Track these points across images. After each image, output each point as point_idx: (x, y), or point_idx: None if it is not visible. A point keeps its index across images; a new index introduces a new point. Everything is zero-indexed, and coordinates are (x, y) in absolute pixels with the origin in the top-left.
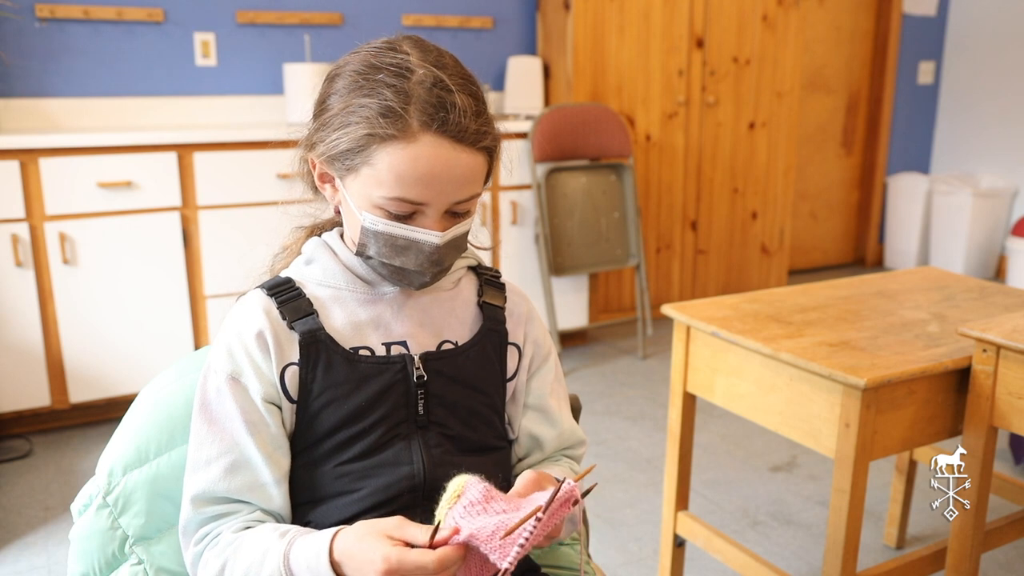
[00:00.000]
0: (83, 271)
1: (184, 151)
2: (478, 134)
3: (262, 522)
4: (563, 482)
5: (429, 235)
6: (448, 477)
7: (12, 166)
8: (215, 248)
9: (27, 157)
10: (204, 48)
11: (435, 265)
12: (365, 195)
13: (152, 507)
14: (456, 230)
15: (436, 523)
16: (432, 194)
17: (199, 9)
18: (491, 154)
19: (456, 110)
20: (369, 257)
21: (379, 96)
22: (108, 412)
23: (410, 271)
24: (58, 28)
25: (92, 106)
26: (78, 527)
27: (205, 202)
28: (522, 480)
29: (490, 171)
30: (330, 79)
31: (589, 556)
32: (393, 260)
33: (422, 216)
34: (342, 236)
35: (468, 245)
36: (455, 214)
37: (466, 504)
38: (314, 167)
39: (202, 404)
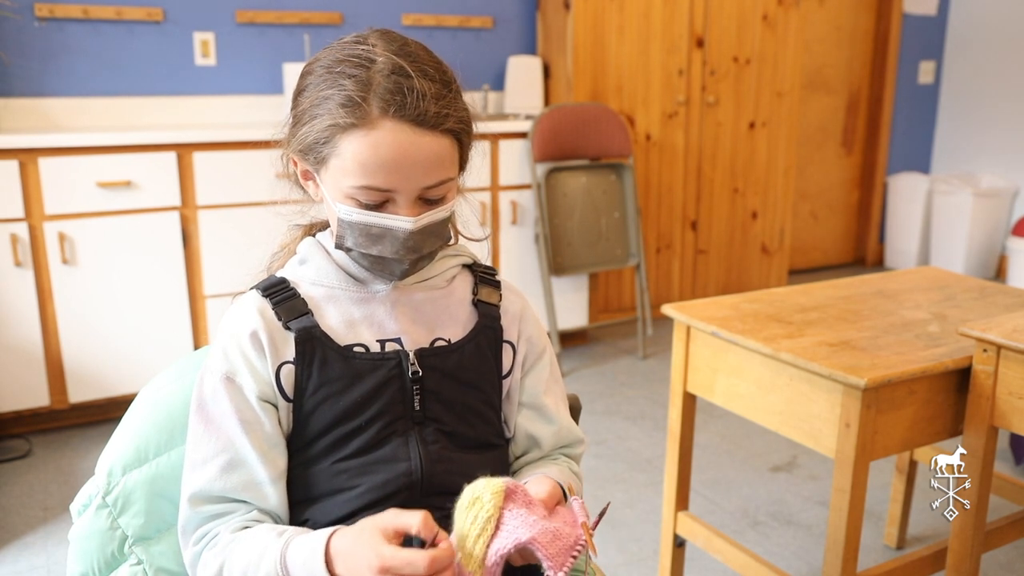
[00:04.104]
0: (82, 271)
1: (183, 151)
2: (439, 116)
3: (260, 522)
4: (608, 505)
5: (401, 221)
6: (446, 473)
7: (11, 166)
8: (214, 248)
9: (26, 157)
10: (203, 48)
11: (411, 252)
12: (337, 186)
13: (151, 507)
14: (430, 216)
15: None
16: (398, 180)
17: (198, 9)
18: (459, 137)
19: (414, 94)
20: (349, 249)
21: (340, 87)
22: (107, 412)
23: (388, 259)
24: (57, 27)
25: (91, 106)
26: (77, 527)
27: (204, 202)
28: (544, 488)
29: (464, 156)
30: (302, 76)
31: (589, 556)
32: (370, 249)
33: (394, 204)
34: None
35: (459, 237)
36: (429, 201)
37: (519, 509)
38: (295, 165)
39: (199, 404)
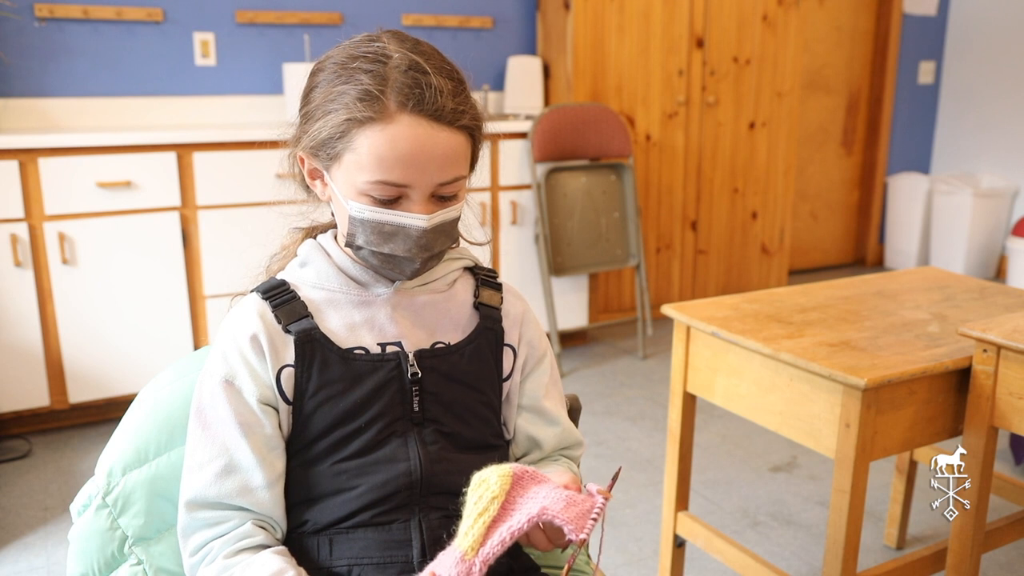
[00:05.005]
0: (82, 271)
1: (183, 151)
2: (456, 112)
3: (252, 537)
4: (620, 469)
5: (415, 219)
6: (445, 473)
7: (11, 166)
8: (214, 248)
9: (26, 157)
10: (203, 48)
11: (424, 250)
12: (350, 183)
13: (151, 507)
14: (443, 215)
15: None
16: (414, 175)
17: (199, 9)
18: (473, 135)
19: (432, 90)
20: (359, 247)
21: (357, 82)
22: (107, 412)
23: (399, 258)
24: (57, 28)
25: (92, 106)
26: (77, 527)
27: (204, 202)
28: (564, 478)
29: (475, 156)
30: (313, 74)
31: (589, 556)
32: (382, 247)
33: (407, 201)
34: (336, 238)
35: (462, 240)
36: (442, 198)
37: (528, 492)
38: (303, 164)
39: (197, 408)
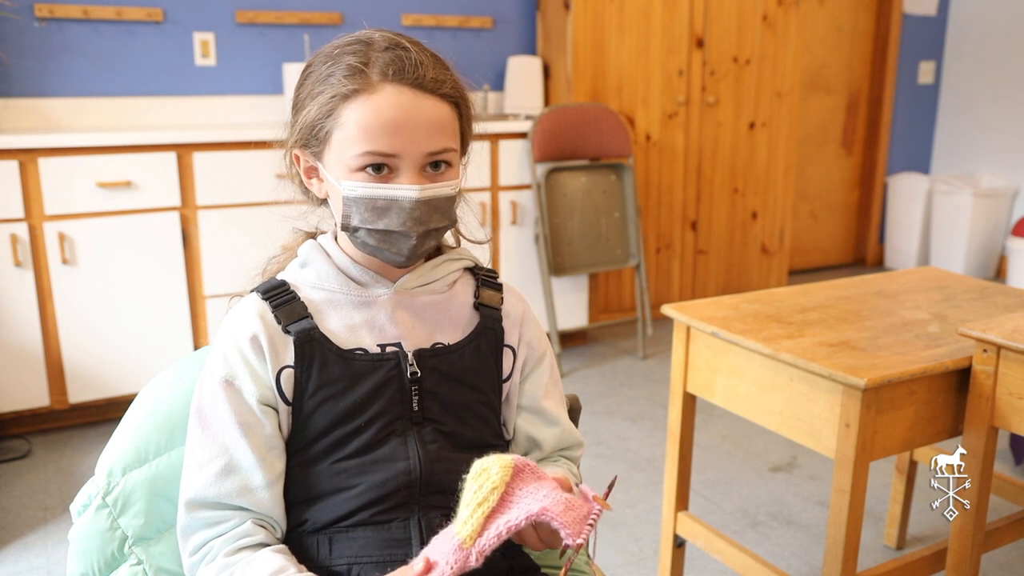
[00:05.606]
0: (82, 271)
1: (183, 151)
2: (437, 81)
3: (252, 535)
4: (615, 478)
5: (407, 190)
6: (444, 472)
7: (11, 166)
8: (214, 248)
9: (26, 157)
10: (203, 48)
11: (418, 224)
12: (341, 163)
13: (151, 507)
14: (436, 188)
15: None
16: (401, 143)
17: (198, 9)
18: (458, 106)
19: (413, 61)
20: (355, 228)
21: (342, 64)
22: (107, 412)
23: (395, 233)
24: (57, 28)
25: (91, 106)
26: (77, 527)
27: (204, 202)
28: (556, 476)
29: (465, 134)
30: (303, 71)
31: (589, 556)
32: (376, 224)
33: (398, 174)
34: (336, 238)
35: (462, 240)
36: (434, 172)
37: (528, 487)
38: (298, 162)
39: (197, 408)
